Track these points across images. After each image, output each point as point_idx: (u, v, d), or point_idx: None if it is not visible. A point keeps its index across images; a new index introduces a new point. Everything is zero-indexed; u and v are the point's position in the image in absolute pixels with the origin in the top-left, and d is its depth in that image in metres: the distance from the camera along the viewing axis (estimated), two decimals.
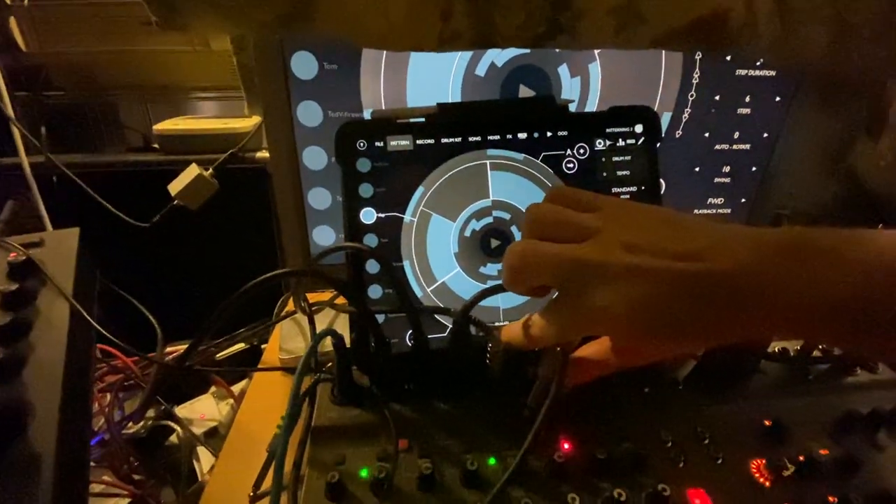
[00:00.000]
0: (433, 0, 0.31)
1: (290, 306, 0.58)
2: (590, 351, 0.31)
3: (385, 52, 0.39)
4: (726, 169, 0.48)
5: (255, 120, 0.70)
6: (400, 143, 0.36)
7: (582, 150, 0.39)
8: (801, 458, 0.31)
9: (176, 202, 0.64)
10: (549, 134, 0.38)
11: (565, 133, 0.38)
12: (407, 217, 0.37)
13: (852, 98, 0.44)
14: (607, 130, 0.39)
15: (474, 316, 0.35)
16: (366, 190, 0.36)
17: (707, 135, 0.46)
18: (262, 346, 0.59)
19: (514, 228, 0.38)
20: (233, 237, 0.72)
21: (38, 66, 0.82)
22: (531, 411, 0.31)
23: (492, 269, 0.38)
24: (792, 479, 0.31)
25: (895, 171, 0.54)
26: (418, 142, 0.37)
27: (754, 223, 0.51)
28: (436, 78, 0.41)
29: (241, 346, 0.60)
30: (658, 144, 0.40)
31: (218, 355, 0.59)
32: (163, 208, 0.65)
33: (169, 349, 0.53)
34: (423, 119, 0.37)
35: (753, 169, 0.48)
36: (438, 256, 0.37)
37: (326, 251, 0.33)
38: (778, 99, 0.45)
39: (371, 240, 0.36)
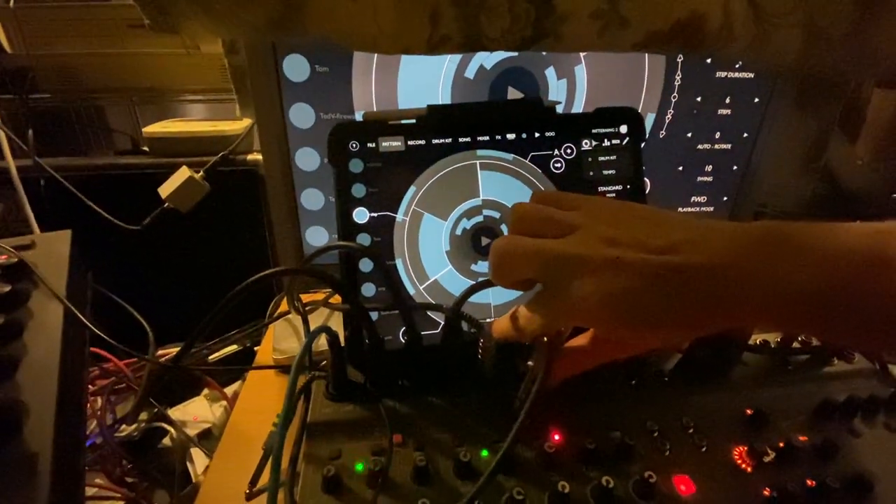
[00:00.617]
0: (422, 4, 0.32)
1: (283, 307, 0.58)
2: (577, 344, 0.32)
3: (376, 55, 0.39)
4: (708, 168, 0.50)
5: (246, 122, 0.70)
6: (392, 144, 0.37)
7: (569, 150, 0.40)
8: (782, 444, 0.33)
9: (167, 205, 0.64)
10: (536, 134, 0.39)
11: (552, 134, 0.39)
12: (399, 216, 0.37)
13: (826, 99, 0.45)
14: (593, 131, 0.40)
15: (465, 312, 0.35)
16: (358, 190, 0.37)
17: (689, 135, 0.48)
18: (255, 348, 0.59)
19: (503, 227, 0.39)
20: (224, 239, 0.72)
21: (23, 68, 0.81)
22: (521, 404, 0.32)
23: (482, 266, 0.39)
24: (773, 464, 0.32)
25: (871, 171, 0.57)
26: (410, 143, 0.37)
27: (736, 220, 0.53)
28: (426, 80, 0.42)
29: (233, 347, 0.60)
30: (642, 144, 0.41)
31: (210, 357, 0.59)
32: (153, 211, 0.65)
33: (160, 352, 0.53)
34: (414, 120, 0.38)
35: (734, 168, 0.50)
36: (430, 255, 0.38)
37: (321, 250, 0.34)
38: (756, 100, 0.47)
39: (364, 239, 0.37)
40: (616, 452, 0.32)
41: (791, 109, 0.47)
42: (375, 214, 0.37)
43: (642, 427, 0.34)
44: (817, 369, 0.40)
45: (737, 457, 0.33)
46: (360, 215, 0.37)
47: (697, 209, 0.52)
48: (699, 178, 0.50)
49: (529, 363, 0.32)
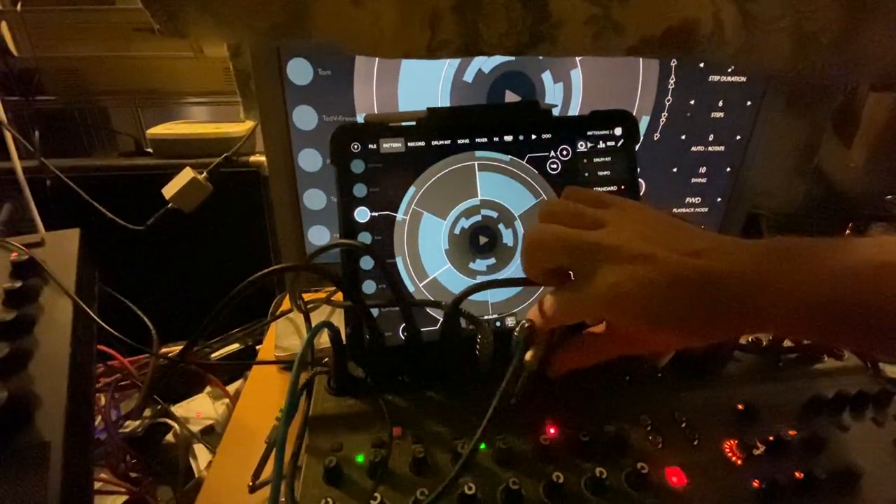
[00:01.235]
0: (422, 10, 0.33)
1: (284, 306, 0.59)
2: (582, 338, 0.33)
3: (377, 59, 0.40)
4: (702, 170, 0.51)
5: (249, 124, 0.71)
6: (392, 145, 0.38)
7: (565, 152, 0.41)
8: (771, 438, 0.33)
9: (170, 205, 0.65)
10: (533, 136, 0.40)
11: (549, 136, 0.40)
12: (399, 216, 0.38)
13: (817, 102, 0.46)
14: (588, 133, 0.41)
15: (464, 309, 0.36)
16: (360, 190, 0.38)
17: (683, 137, 0.49)
18: (257, 347, 0.60)
19: (501, 226, 0.40)
20: (226, 239, 0.73)
21: (30, 70, 0.82)
22: (518, 400, 0.33)
23: (480, 264, 0.40)
24: (762, 457, 0.33)
25: (865, 173, 0.58)
26: (410, 144, 0.38)
27: (730, 221, 0.54)
28: (426, 84, 0.43)
29: (235, 346, 0.61)
30: (637, 146, 0.42)
31: (213, 355, 0.60)
32: (157, 212, 0.66)
33: (163, 350, 0.54)
34: (414, 123, 0.39)
35: (728, 169, 0.51)
36: (429, 253, 0.39)
37: (324, 248, 0.35)
38: (748, 103, 0.48)
39: (365, 237, 0.38)
40: (610, 445, 0.33)
41: (782, 112, 0.48)
42: (376, 214, 0.38)
43: (636, 421, 0.35)
44: (807, 366, 0.41)
45: (727, 450, 0.34)
46: (362, 214, 0.38)
47: (692, 210, 0.53)
48: (693, 180, 0.51)
49: (527, 357, 0.33)
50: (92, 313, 0.35)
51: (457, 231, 0.40)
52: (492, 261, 0.40)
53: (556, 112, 0.42)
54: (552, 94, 0.45)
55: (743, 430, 0.35)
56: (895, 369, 0.42)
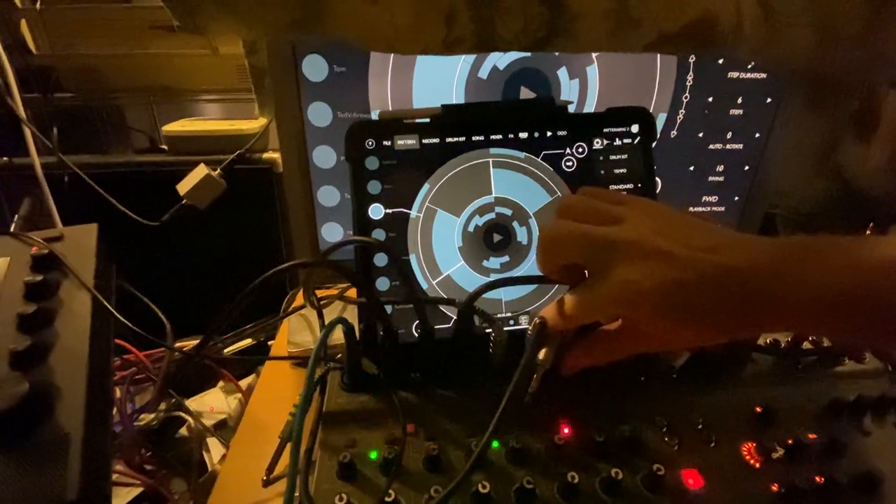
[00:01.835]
0: (438, 6, 0.33)
1: (296, 303, 0.59)
2: (597, 336, 0.32)
3: (392, 55, 0.40)
4: (720, 168, 0.50)
5: (262, 121, 0.72)
6: (407, 142, 0.38)
7: (580, 149, 0.40)
8: (790, 441, 0.33)
9: (185, 202, 0.66)
10: (549, 133, 0.40)
11: (564, 133, 0.40)
12: (413, 213, 0.38)
13: (838, 99, 0.45)
14: (604, 130, 0.40)
15: (478, 307, 0.36)
16: (374, 187, 0.38)
17: (701, 135, 0.48)
18: (269, 343, 0.60)
19: (515, 224, 0.40)
20: (239, 236, 0.74)
21: (48, 68, 0.84)
22: (531, 399, 0.33)
23: (494, 262, 0.40)
24: (781, 460, 0.32)
25: (884, 172, 0.56)
26: (424, 141, 0.38)
27: (748, 220, 0.53)
28: (440, 80, 0.42)
29: (248, 341, 0.62)
30: (653, 144, 0.41)
31: (226, 351, 0.60)
32: (171, 208, 0.67)
33: (177, 345, 0.55)
34: (428, 119, 0.39)
35: (746, 168, 0.50)
36: (443, 250, 0.39)
37: (339, 244, 0.35)
38: (768, 100, 0.47)
39: (379, 234, 0.38)
40: (625, 446, 0.32)
41: (803, 109, 0.47)
42: (390, 211, 0.38)
43: (651, 422, 0.34)
44: (827, 369, 0.40)
45: (745, 453, 0.33)
46: (376, 211, 0.38)
47: (709, 209, 0.52)
48: (710, 178, 0.50)
49: (540, 355, 0.33)
50: (110, 307, 0.35)
51: (470, 228, 0.39)
52: (505, 259, 0.40)
53: (571, 109, 0.41)
54: (568, 90, 0.44)
55: (761, 433, 0.34)
56: None
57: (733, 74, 0.46)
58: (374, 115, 0.42)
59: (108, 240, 0.43)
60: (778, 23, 0.35)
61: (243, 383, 0.57)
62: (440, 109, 0.39)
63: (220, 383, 0.58)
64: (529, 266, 0.40)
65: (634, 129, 0.41)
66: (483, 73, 0.43)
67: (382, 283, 0.38)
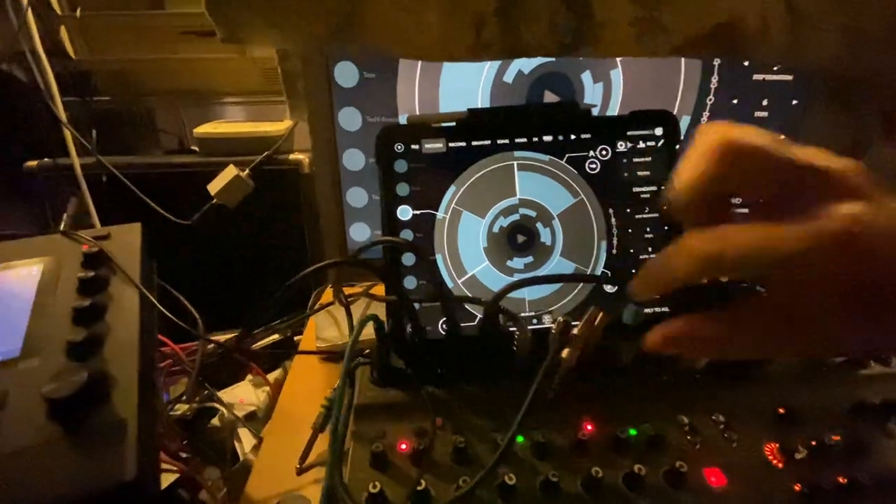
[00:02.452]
0: (467, 15, 0.34)
1: (324, 300, 0.61)
2: (707, 325, 0.25)
3: (420, 62, 0.42)
4: None
5: (287, 123, 0.74)
6: (434, 145, 0.39)
7: (604, 152, 0.41)
8: (814, 442, 0.33)
9: (215, 201, 0.68)
10: (572, 137, 0.41)
11: (588, 136, 0.41)
12: (440, 214, 0.40)
13: (867, 101, 0.45)
14: (628, 133, 0.41)
15: (502, 306, 0.37)
16: (402, 189, 0.39)
17: None
18: (296, 339, 0.62)
19: (539, 225, 0.41)
20: (266, 234, 0.76)
21: (86, 73, 0.87)
22: (555, 396, 0.34)
23: (518, 262, 0.41)
24: (804, 461, 0.33)
25: None
26: (451, 144, 0.39)
27: None
28: (467, 85, 0.44)
29: (276, 337, 0.64)
30: (677, 147, 0.42)
31: (254, 346, 0.62)
32: (202, 207, 0.69)
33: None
34: (454, 123, 0.40)
35: None
36: (468, 251, 0.40)
37: (369, 244, 0.36)
38: (795, 102, 0.47)
39: (407, 234, 0.39)
40: (647, 443, 0.33)
41: (830, 111, 0.46)
42: (418, 212, 0.39)
43: (674, 421, 0.35)
44: (853, 372, 0.40)
45: (768, 453, 0.33)
46: (404, 213, 0.39)
47: (734, 211, 0.52)
48: None
49: (564, 353, 0.33)
50: (155, 301, 0.37)
51: (495, 229, 0.40)
52: (529, 259, 0.41)
53: (595, 112, 0.42)
54: (592, 94, 0.45)
55: (784, 433, 0.35)
56: None
57: (758, 77, 0.46)
58: (402, 120, 0.44)
59: (149, 237, 0.45)
60: (804, 25, 0.35)
61: (270, 377, 0.60)
62: (466, 113, 0.40)
63: (249, 377, 0.60)
64: (553, 266, 0.41)
65: (658, 131, 0.41)
66: (508, 77, 0.44)
67: (410, 282, 0.39)
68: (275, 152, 0.72)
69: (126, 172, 0.71)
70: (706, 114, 0.47)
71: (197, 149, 0.79)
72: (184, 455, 0.52)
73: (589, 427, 0.34)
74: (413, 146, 0.39)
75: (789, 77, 0.45)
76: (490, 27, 0.34)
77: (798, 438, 0.34)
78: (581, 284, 0.41)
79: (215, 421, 0.55)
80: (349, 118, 0.43)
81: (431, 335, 0.39)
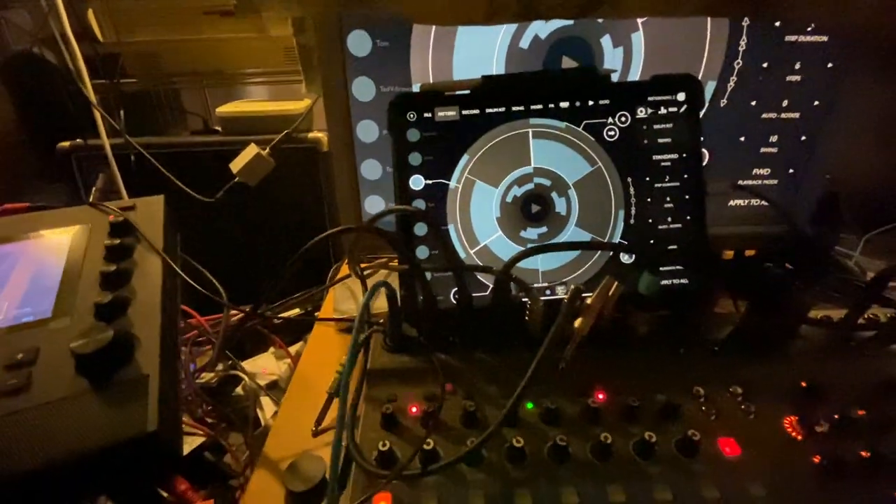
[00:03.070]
0: None
1: (341, 273, 0.62)
2: None
3: (434, 27, 0.41)
4: (773, 139, 0.47)
5: (307, 102, 0.74)
6: (447, 114, 0.39)
7: (623, 118, 0.40)
8: (837, 416, 0.32)
9: (237, 179, 0.69)
10: (590, 103, 0.39)
11: (607, 102, 0.39)
12: (452, 183, 0.39)
13: None
14: (649, 99, 0.40)
15: (515, 276, 0.37)
16: (415, 158, 0.39)
17: (754, 103, 0.46)
18: (316, 314, 0.64)
19: (554, 194, 0.40)
20: (286, 211, 0.77)
21: (113, 55, 0.90)
22: (568, 364, 0.34)
23: (532, 232, 0.40)
24: (825, 434, 0.32)
25: None
26: (464, 112, 0.39)
27: (804, 194, 0.50)
28: (481, 51, 0.43)
29: (296, 311, 0.65)
30: (701, 113, 0.40)
31: (276, 319, 0.64)
32: (224, 184, 0.71)
33: (232, 312, 0.59)
34: (468, 91, 0.39)
35: (803, 139, 0.47)
36: (481, 220, 0.40)
37: (382, 213, 0.36)
38: (830, 65, 0.44)
39: (420, 204, 0.39)
40: (660, 412, 0.33)
41: (869, 75, 0.44)
42: (430, 181, 0.39)
43: (689, 392, 0.34)
44: (882, 347, 0.38)
45: (787, 425, 0.33)
46: (417, 182, 0.39)
47: (760, 182, 0.50)
48: (762, 150, 0.48)
49: (577, 323, 0.33)
50: (176, 268, 0.39)
51: (509, 199, 0.40)
52: (543, 229, 0.40)
53: (615, 78, 0.40)
54: (611, 59, 0.44)
55: (805, 406, 0.33)
56: None
57: (791, 38, 0.43)
58: (416, 88, 0.43)
59: (173, 211, 0.46)
60: None
61: (292, 349, 0.61)
62: (480, 80, 0.39)
63: (271, 349, 0.62)
64: (568, 236, 0.40)
65: (680, 97, 0.40)
66: (524, 42, 0.43)
67: (422, 252, 0.40)
68: (294, 131, 0.73)
69: (153, 152, 0.73)
70: (734, 78, 0.44)
71: (220, 128, 0.81)
72: (209, 420, 0.55)
73: (601, 396, 0.34)
74: (426, 115, 0.39)
75: (824, 38, 0.43)
76: None
77: (820, 412, 0.33)
78: (596, 255, 0.40)
79: (239, 389, 0.57)
80: (363, 88, 0.43)
81: (443, 304, 0.40)
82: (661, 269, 0.40)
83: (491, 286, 0.39)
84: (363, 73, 0.43)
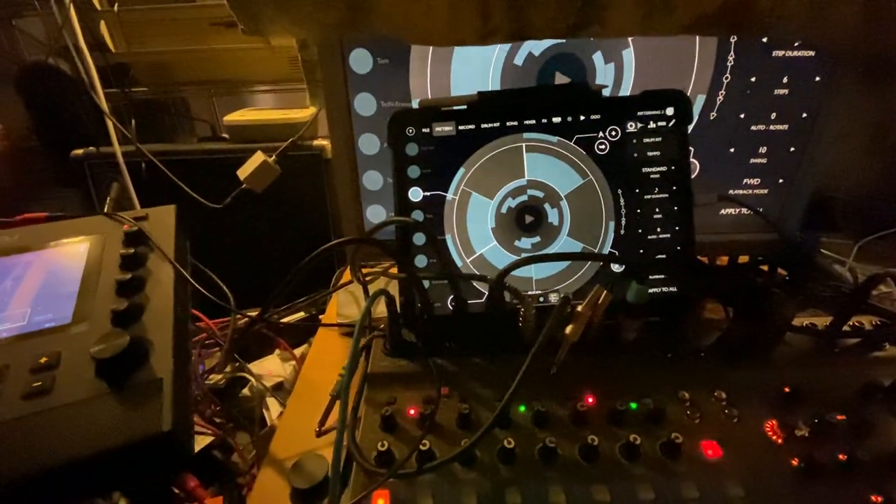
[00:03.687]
0: (473, 0, 0.35)
1: (344, 279, 0.64)
2: None
3: (432, 47, 0.43)
4: (763, 150, 0.49)
5: (312, 111, 0.76)
6: (444, 128, 0.41)
7: (614, 133, 0.41)
8: (816, 420, 0.33)
9: (244, 186, 0.71)
10: (581, 117, 0.41)
11: (598, 116, 0.41)
12: (449, 195, 0.41)
13: (893, 75, 0.43)
14: (639, 113, 0.41)
15: (509, 284, 0.39)
16: (413, 171, 0.41)
17: (742, 116, 0.47)
18: (320, 317, 0.66)
19: (547, 206, 0.42)
20: (291, 217, 0.79)
21: (124, 65, 0.92)
22: (558, 369, 0.35)
23: (525, 242, 0.42)
24: (805, 438, 0.33)
25: None
26: (461, 127, 0.41)
27: (793, 203, 0.51)
28: (477, 68, 0.44)
29: (301, 314, 0.67)
30: (689, 127, 0.42)
31: (281, 322, 0.66)
32: (231, 191, 0.73)
33: (239, 315, 0.61)
34: (465, 106, 0.41)
35: (791, 149, 0.49)
36: (477, 231, 0.42)
37: (381, 224, 0.38)
38: (817, 79, 0.45)
39: (418, 215, 0.41)
40: (646, 416, 0.34)
41: (855, 88, 0.45)
42: (428, 193, 0.41)
43: (674, 396, 0.36)
44: (865, 354, 0.40)
45: (768, 429, 0.34)
46: (415, 194, 0.41)
47: (750, 192, 0.51)
48: (752, 160, 0.49)
49: (568, 330, 0.35)
50: (188, 276, 0.41)
51: (503, 210, 0.42)
52: (537, 239, 0.42)
53: (606, 93, 0.42)
54: (603, 75, 0.45)
55: (787, 411, 0.35)
56: None
57: (778, 53, 0.44)
58: (415, 104, 0.45)
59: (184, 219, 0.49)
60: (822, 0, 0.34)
61: (297, 352, 0.63)
62: (476, 96, 0.41)
63: (277, 351, 0.64)
64: (560, 246, 0.42)
65: (669, 111, 0.41)
66: (518, 59, 0.44)
67: (421, 261, 0.41)
68: (299, 139, 0.74)
69: (163, 159, 0.76)
70: (723, 92, 0.46)
71: (227, 136, 0.83)
72: (217, 420, 0.57)
73: (590, 400, 0.36)
74: (424, 129, 0.41)
75: (811, 53, 0.44)
76: (497, 11, 0.35)
77: (801, 416, 0.34)
78: (588, 264, 0.42)
79: (246, 391, 0.59)
80: (364, 104, 0.45)
81: (440, 311, 0.41)
82: (649, 277, 0.41)
83: (486, 294, 0.41)
84: (364, 90, 0.44)
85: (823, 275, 0.51)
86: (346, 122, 0.45)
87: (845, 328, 0.41)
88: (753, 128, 0.48)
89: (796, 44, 0.44)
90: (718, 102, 0.47)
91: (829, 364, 0.39)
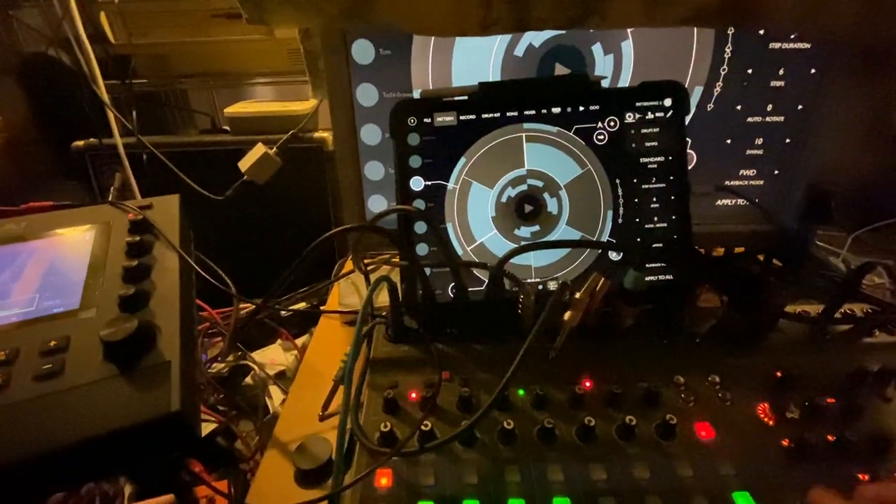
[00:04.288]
0: None
1: (346, 268, 0.65)
2: None
3: (433, 37, 0.43)
4: (759, 141, 0.50)
5: (313, 102, 0.76)
6: (445, 119, 0.41)
7: (612, 123, 0.42)
8: (807, 403, 0.34)
9: (245, 178, 0.72)
10: (581, 108, 0.42)
11: (597, 107, 0.42)
12: (450, 184, 0.42)
13: (890, 67, 0.44)
14: (637, 104, 0.42)
15: (509, 271, 0.39)
16: (415, 161, 0.41)
17: (739, 108, 0.48)
18: (321, 307, 0.66)
19: (546, 195, 0.42)
20: (293, 208, 0.80)
21: (125, 57, 0.92)
22: (557, 354, 0.36)
23: (525, 231, 0.43)
24: (795, 420, 0.34)
25: None
26: (461, 117, 0.41)
27: (790, 195, 0.52)
28: (478, 59, 0.45)
29: (302, 304, 0.68)
30: (687, 118, 0.42)
31: (283, 312, 0.67)
32: (233, 183, 0.73)
33: (241, 306, 0.62)
34: (465, 97, 0.42)
35: (787, 141, 0.49)
36: (477, 219, 0.42)
37: (384, 213, 0.39)
38: (813, 71, 0.46)
39: (420, 204, 0.42)
40: (642, 399, 0.35)
41: (852, 79, 0.45)
42: (430, 183, 0.42)
43: (669, 380, 0.37)
44: (857, 340, 0.41)
45: (760, 412, 0.35)
46: (417, 183, 0.42)
47: (746, 182, 0.52)
48: (748, 151, 0.50)
49: (566, 316, 0.36)
50: (192, 263, 0.41)
51: (503, 199, 0.42)
52: (536, 228, 0.43)
53: (605, 84, 0.43)
54: (602, 66, 0.46)
55: (779, 395, 0.36)
56: None
57: (775, 45, 0.45)
58: (417, 94, 0.46)
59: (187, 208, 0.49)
60: None
61: (298, 341, 0.64)
62: (477, 87, 0.41)
63: (279, 340, 0.65)
64: (559, 235, 0.43)
65: (667, 102, 0.42)
66: (519, 51, 0.45)
67: (422, 249, 0.42)
68: (300, 130, 0.75)
69: (164, 151, 0.76)
70: (720, 84, 0.46)
71: (228, 128, 0.84)
72: (221, 408, 0.57)
73: (587, 384, 0.36)
74: (425, 120, 0.41)
75: (807, 45, 0.45)
76: (497, 2, 0.36)
77: (792, 400, 0.35)
78: (586, 253, 0.43)
79: (248, 379, 0.60)
80: (366, 94, 0.45)
81: (441, 298, 0.42)
82: (646, 265, 0.42)
83: (486, 281, 0.42)
84: (367, 80, 0.45)
85: (818, 265, 0.52)
86: (348, 112, 0.45)
87: (837, 315, 0.42)
88: (750, 119, 0.49)
89: (793, 36, 0.44)
90: (715, 94, 0.47)
91: (821, 350, 0.40)
